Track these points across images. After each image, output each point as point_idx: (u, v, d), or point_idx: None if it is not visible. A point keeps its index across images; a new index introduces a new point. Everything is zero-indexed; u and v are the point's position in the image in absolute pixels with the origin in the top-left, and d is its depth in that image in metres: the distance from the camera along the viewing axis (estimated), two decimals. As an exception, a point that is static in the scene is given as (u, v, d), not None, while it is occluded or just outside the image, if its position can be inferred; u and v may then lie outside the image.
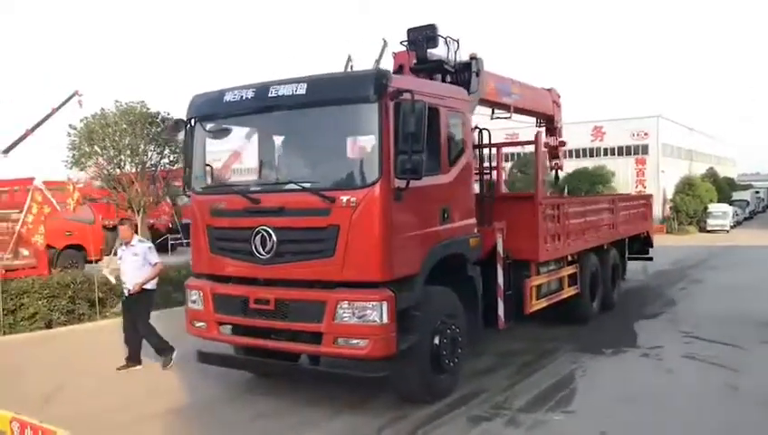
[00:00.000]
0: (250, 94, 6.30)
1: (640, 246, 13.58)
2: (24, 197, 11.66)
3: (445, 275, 6.69)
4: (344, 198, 5.75)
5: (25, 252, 11.29)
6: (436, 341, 6.40)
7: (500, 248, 7.67)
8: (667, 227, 35.26)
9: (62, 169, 13.12)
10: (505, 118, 10.46)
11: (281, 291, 6.10)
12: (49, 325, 10.40)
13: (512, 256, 8.02)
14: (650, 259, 13.98)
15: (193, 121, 6.82)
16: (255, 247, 6.15)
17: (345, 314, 5.78)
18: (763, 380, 7.21)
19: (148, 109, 12.33)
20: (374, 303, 5.72)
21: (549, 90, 11.47)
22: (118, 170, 12.38)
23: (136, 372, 7.98)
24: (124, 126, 12.05)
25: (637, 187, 41.38)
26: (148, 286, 8.07)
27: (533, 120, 11.59)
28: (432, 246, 6.36)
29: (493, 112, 10.51)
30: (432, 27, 7.57)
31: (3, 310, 9.93)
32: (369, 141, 5.92)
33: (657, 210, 36.73)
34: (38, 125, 34.37)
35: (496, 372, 7.60)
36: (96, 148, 12.12)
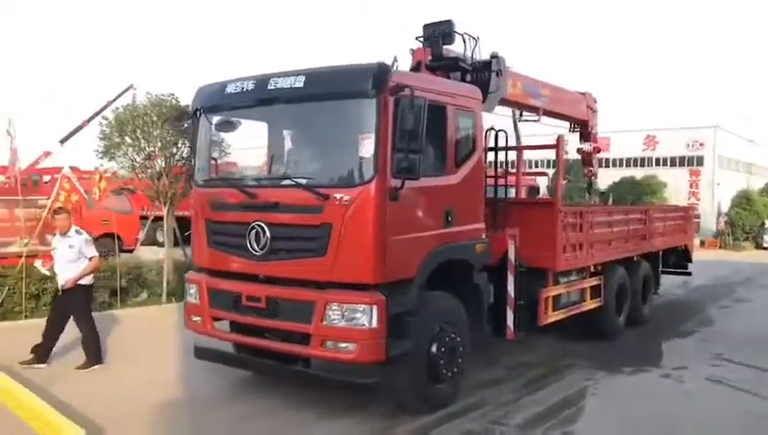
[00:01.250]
0: (250, 86, 6.16)
1: (678, 259, 12.93)
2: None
3: (448, 280, 6.42)
4: (337, 196, 5.54)
5: (51, 237, 11.43)
6: (434, 349, 6.12)
7: (512, 256, 7.33)
8: (721, 241, 33.76)
9: (95, 159, 13.30)
10: (534, 121, 10.16)
11: (272, 289, 5.94)
12: (69, 312, 10.50)
13: (527, 264, 7.67)
14: (689, 274, 13.29)
15: (198, 113, 6.75)
16: (250, 243, 6.00)
17: (334, 317, 5.57)
18: (794, 409, 6.66)
19: (178, 102, 12.37)
20: (363, 306, 5.49)
21: (583, 93, 11.03)
22: (148, 162, 12.45)
23: (134, 364, 7.87)
24: (154, 118, 12.10)
25: (690, 199, 39.83)
26: (84, 281, 7.61)
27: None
28: (431, 250, 6.08)
29: (521, 115, 10.22)
30: (448, 23, 7.27)
31: (26, 294, 10.04)
32: (366, 138, 5.67)
33: (711, 224, 35.41)
34: (93, 117, 35.37)
35: (503, 385, 7.25)
36: (127, 138, 12.21)
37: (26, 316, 10.08)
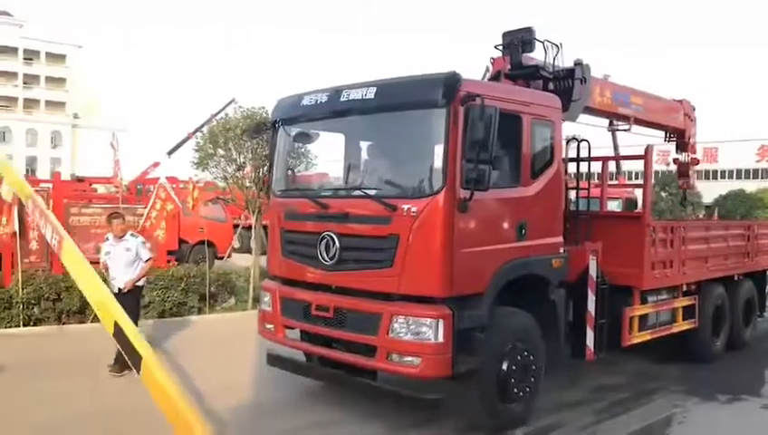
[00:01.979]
0: (324, 98, 6.23)
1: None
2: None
3: (522, 296, 6.21)
4: (405, 207, 5.48)
5: (147, 245, 12.01)
6: (504, 367, 5.91)
7: (593, 271, 6.97)
8: None
9: (191, 170, 13.92)
10: (624, 130, 9.74)
11: (340, 299, 5.95)
12: (162, 315, 10.97)
13: (612, 281, 7.28)
14: (801, 296, 12.17)
15: (276, 125, 6.90)
16: (320, 253, 6.04)
17: (400, 329, 5.50)
18: None
19: (268, 114, 12.76)
20: (429, 319, 5.38)
21: (680, 101, 10.43)
22: (240, 172, 12.91)
23: (210, 367, 8.00)
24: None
25: (810, 214, 36.73)
26: (139, 283, 7.89)
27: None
28: (503, 264, 5.89)
29: (611, 124, 9.80)
30: (528, 30, 7.07)
31: None
32: (435, 148, 5.59)
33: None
34: (198, 129, 37.26)
35: (582, 407, 6.90)
36: (219, 150, 12.72)
37: None
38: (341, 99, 6.04)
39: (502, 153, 5.89)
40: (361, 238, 5.86)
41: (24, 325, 9.71)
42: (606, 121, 9.63)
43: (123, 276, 7.73)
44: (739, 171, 42.29)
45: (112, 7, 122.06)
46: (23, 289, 9.74)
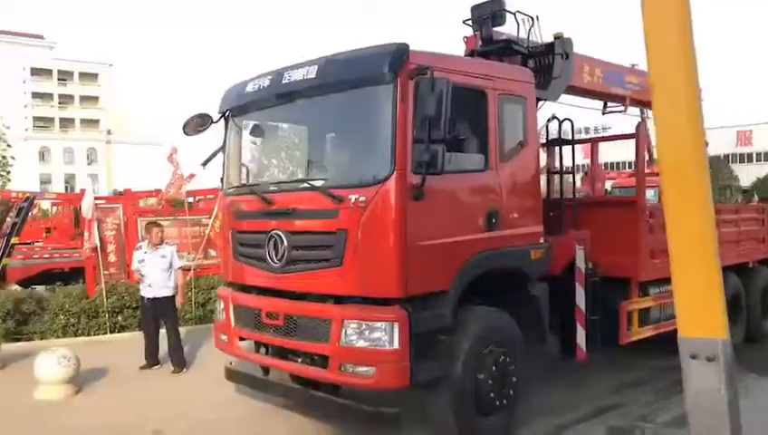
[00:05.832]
0: (266, 82, 5.64)
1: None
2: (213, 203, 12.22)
3: (499, 293, 5.55)
4: (352, 198, 4.85)
5: (213, 252, 12.04)
6: (479, 374, 5.23)
7: (580, 263, 6.29)
8: None
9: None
10: (619, 112, 9.01)
11: (290, 304, 5.35)
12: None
13: (605, 272, 6.60)
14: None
15: (223, 116, 6.31)
16: (269, 254, 5.45)
17: (353, 335, 4.87)
18: None
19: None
20: (383, 323, 4.76)
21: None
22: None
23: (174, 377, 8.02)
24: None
25: None
26: (171, 292, 8.12)
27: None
28: (471, 257, 5.23)
29: (605, 106, 9.09)
30: (498, 2, 6.43)
31: (195, 303, 10.83)
32: (383, 129, 4.92)
33: None
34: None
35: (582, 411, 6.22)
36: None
37: (195, 323, 10.68)
38: (283, 81, 5.43)
39: (465, 134, 5.27)
40: (309, 235, 5.26)
41: (110, 332, 10.13)
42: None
43: (158, 283, 8.03)
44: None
45: (140, 25, 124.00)
46: (106, 299, 10.18)
